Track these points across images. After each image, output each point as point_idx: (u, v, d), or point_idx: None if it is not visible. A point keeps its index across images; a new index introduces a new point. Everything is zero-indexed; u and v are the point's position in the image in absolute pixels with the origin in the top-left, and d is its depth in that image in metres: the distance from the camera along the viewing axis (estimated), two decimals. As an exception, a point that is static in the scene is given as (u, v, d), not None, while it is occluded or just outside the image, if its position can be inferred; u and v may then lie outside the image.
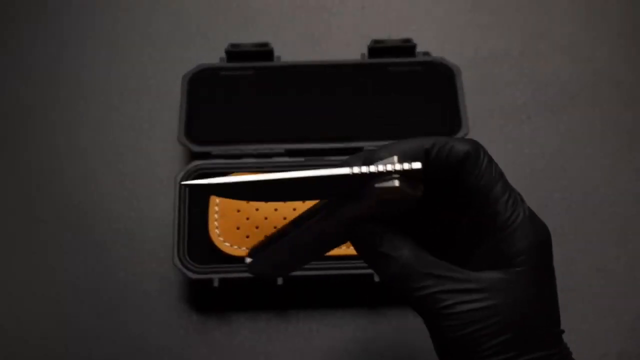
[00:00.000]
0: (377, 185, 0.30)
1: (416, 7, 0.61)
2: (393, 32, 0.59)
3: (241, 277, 0.47)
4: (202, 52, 0.57)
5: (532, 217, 0.32)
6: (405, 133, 0.52)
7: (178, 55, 0.58)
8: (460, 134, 0.51)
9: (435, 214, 0.34)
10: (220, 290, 0.47)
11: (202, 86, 0.53)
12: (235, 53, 0.54)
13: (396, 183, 0.29)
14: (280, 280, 0.47)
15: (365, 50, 0.55)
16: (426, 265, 0.30)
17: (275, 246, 0.35)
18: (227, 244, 0.48)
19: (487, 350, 0.29)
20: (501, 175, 0.32)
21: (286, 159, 0.51)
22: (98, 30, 0.60)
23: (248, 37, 0.57)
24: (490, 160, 0.32)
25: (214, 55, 0.56)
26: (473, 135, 0.54)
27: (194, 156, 0.51)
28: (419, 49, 0.55)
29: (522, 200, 0.32)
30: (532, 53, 0.58)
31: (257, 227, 0.48)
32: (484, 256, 0.31)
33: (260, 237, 0.48)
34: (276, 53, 0.55)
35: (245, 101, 0.53)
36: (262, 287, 0.48)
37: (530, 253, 0.31)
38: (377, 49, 0.54)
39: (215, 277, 0.47)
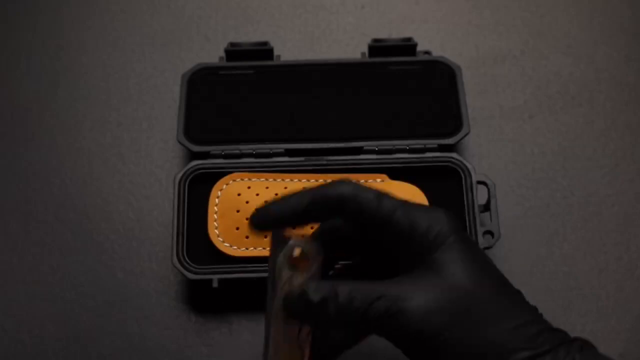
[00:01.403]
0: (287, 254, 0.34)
1: (417, 6, 0.60)
2: (393, 31, 0.59)
3: (240, 277, 0.47)
4: (202, 52, 0.57)
5: (425, 215, 0.33)
6: (405, 132, 0.52)
7: (177, 55, 0.58)
8: (460, 133, 0.51)
9: (357, 250, 0.37)
10: (220, 291, 0.47)
11: (201, 85, 0.53)
12: (234, 52, 0.54)
13: (296, 252, 0.34)
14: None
15: (365, 50, 0.55)
16: (355, 290, 0.32)
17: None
18: (226, 244, 0.48)
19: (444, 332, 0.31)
20: (376, 198, 0.34)
21: (286, 158, 0.51)
22: (98, 30, 0.60)
23: (248, 36, 0.58)
24: (366, 192, 0.34)
25: (213, 55, 0.56)
26: (473, 134, 0.54)
27: (193, 156, 0.51)
28: (419, 48, 0.55)
29: (410, 207, 0.34)
30: (532, 52, 0.58)
31: (256, 227, 0.48)
32: (407, 266, 0.33)
33: (260, 238, 0.47)
34: (276, 52, 0.55)
35: (244, 101, 0.53)
36: (262, 287, 0.48)
37: (442, 242, 0.33)
38: (378, 48, 0.54)
39: (215, 278, 0.47)
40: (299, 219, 0.34)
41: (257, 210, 0.35)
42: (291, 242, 0.34)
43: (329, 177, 0.49)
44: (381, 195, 0.34)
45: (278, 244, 0.34)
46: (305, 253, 0.34)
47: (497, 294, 0.32)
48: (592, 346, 0.33)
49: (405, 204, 0.34)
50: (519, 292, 0.34)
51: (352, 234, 0.36)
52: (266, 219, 0.35)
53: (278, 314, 0.34)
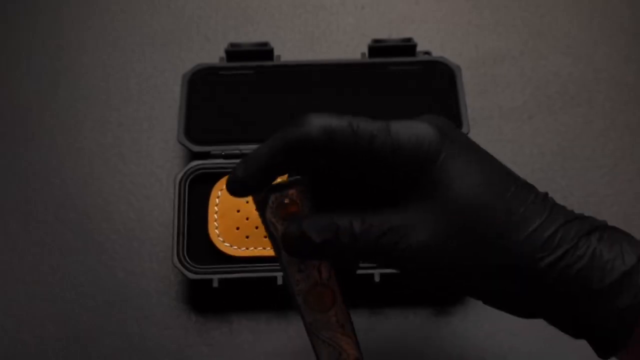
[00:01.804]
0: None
1: (417, 6, 0.61)
2: (393, 32, 0.59)
3: (241, 277, 0.47)
4: (202, 52, 0.57)
5: (408, 131, 0.31)
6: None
7: (178, 55, 0.58)
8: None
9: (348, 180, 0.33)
10: (220, 291, 0.47)
11: (201, 86, 0.53)
12: (235, 53, 0.54)
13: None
14: (280, 280, 0.47)
15: (365, 50, 0.55)
16: (358, 220, 0.30)
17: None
18: (226, 244, 0.48)
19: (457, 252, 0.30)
20: (352, 126, 0.31)
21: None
22: (98, 30, 0.60)
23: (248, 36, 0.58)
24: (342, 127, 0.31)
25: (213, 55, 0.56)
26: (473, 134, 0.54)
27: (193, 156, 0.51)
28: (419, 48, 0.55)
29: (391, 128, 0.31)
30: (532, 53, 0.58)
31: (257, 227, 0.48)
32: (405, 190, 0.31)
33: (260, 237, 0.48)
34: (276, 53, 0.55)
35: (245, 101, 0.53)
36: (262, 287, 0.48)
37: (416, 160, 0.30)
38: (378, 48, 0.55)
39: (215, 278, 0.47)
40: (270, 177, 0.31)
41: (229, 179, 0.31)
42: (272, 196, 0.32)
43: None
44: (355, 121, 0.31)
45: (261, 203, 0.33)
46: (290, 200, 0.32)
47: (506, 200, 0.30)
48: (613, 229, 0.32)
49: (383, 125, 0.31)
50: (527, 187, 0.32)
51: (334, 171, 0.32)
52: (242, 186, 0.31)
53: (291, 265, 0.33)
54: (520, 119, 0.56)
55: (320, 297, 0.34)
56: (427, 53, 0.55)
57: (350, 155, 0.30)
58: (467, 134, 0.51)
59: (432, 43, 0.58)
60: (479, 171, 0.31)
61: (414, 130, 0.31)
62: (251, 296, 0.49)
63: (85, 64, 0.58)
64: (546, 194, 0.32)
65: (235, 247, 0.48)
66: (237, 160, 0.50)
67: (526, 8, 0.60)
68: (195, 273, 0.47)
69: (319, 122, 0.30)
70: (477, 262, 0.30)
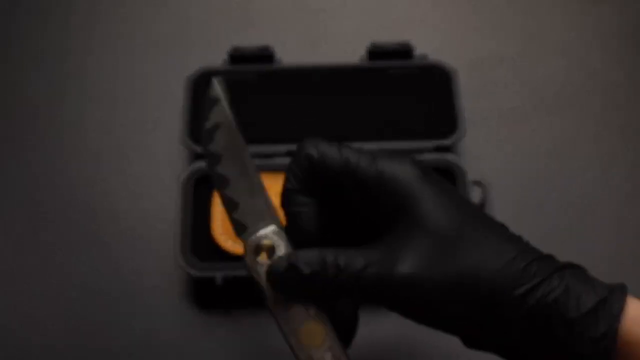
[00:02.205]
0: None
1: (414, 10, 0.61)
2: (391, 36, 0.59)
3: (244, 274, 0.47)
4: (205, 55, 0.58)
5: (390, 165, 0.32)
6: (402, 134, 0.53)
7: (181, 58, 0.58)
8: (456, 135, 0.52)
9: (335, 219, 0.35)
10: (223, 288, 0.48)
11: (204, 88, 0.53)
12: (237, 56, 0.55)
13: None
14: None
15: (364, 53, 0.56)
16: (341, 258, 0.31)
17: None
18: (230, 242, 0.49)
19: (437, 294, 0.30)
20: (337, 150, 0.33)
21: (287, 159, 0.51)
22: (104, 34, 0.60)
23: (250, 40, 0.58)
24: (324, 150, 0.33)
25: (216, 58, 0.57)
26: (470, 136, 0.54)
27: (196, 157, 0.52)
28: (417, 51, 0.56)
29: (375, 158, 0.33)
30: (527, 56, 0.59)
31: (258, 226, 0.49)
32: (383, 220, 0.32)
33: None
34: (277, 56, 0.56)
35: (246, 103, 0.54)
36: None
37: (397, 191, 0.32)
38: (376, 51, 0.55)
39: (218, 275, 0.47)
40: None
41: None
42: (246, 242, 0.34)
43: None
44: (342, 147, 0.33)
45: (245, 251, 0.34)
46: (267, 241, 0.33)
47: (482, 233, 0.31)
48: (583, 269, 0.32)
49: (368, 155, 0.33)
50: (501, 225, 0.33)
51: (316, 200, 0.34)
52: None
53: (277, 305, 0.34)
54: (517, 121, 0.56)
55: (311, 332, 0.34)
56: (424, 56, 0.56)
57: (337, 179, 0.32)
58: (464, 135, 0.52)
59: (429, 46, 0.58)
60: (456, 208, 0.32)
61: (396, 163, 0.33)
62: (254, 293, 0.49)
63: (91, 66, 0.59)
64: (519, 236, 0.33)
65: (239, 245, 0.48)
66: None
67: (522, 12, 0.61)
68: (199, 270, 0.48)
69: (311, 144, 0.33)
70: (458, 293, 0.30)
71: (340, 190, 0.33)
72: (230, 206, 0.35)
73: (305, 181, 0.33)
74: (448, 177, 0.51)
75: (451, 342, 0.35)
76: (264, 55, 0.55)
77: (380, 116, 0.53)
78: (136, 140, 0.56)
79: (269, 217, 0.35)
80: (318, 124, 0.53)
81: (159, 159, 0.55)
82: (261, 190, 0.36)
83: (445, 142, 0.52)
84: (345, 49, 0.59)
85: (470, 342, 0.33)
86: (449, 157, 0.51)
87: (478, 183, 0.50)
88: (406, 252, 0.31)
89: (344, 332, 0.35)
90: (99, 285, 0.51)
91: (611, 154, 0.55)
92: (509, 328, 0.30)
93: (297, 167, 0.34)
